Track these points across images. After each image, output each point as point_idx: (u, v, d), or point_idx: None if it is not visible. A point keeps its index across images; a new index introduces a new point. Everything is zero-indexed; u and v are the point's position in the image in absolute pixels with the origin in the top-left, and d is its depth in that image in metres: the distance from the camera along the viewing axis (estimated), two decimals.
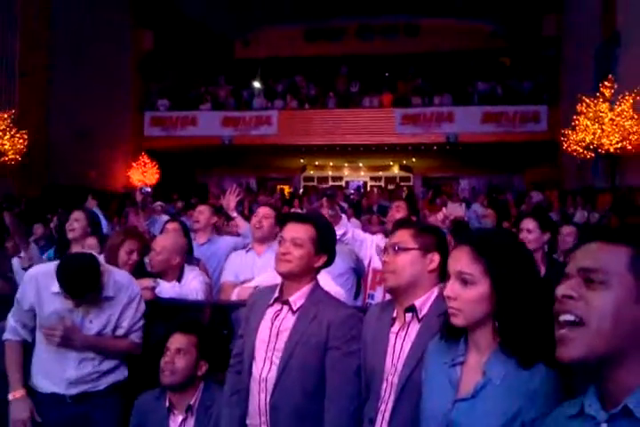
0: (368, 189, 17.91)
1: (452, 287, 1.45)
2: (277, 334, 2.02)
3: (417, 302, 1.82)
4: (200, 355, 2.47)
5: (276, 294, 2.09)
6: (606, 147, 10.74)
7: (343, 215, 3.58)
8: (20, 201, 10.56)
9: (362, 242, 3.63)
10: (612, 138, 10.60)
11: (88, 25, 14.37)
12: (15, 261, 3.89)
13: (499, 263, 1.42)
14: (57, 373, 2.50)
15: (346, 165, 20.33)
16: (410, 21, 18.40)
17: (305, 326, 2.00)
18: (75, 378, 2.49)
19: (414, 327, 1.80)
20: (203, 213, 4.30)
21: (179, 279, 3.12)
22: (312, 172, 20.53)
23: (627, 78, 10.72)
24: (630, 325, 1.01)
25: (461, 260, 1.46)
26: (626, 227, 2.70)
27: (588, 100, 11.20)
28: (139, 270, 3.07)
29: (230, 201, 4.29)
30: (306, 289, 2.06)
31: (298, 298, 2.05)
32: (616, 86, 10.83)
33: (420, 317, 1.80)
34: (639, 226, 1.20)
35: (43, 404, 2.50)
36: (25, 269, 3.80)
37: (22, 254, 4.11)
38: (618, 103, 10.61)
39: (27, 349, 2.60)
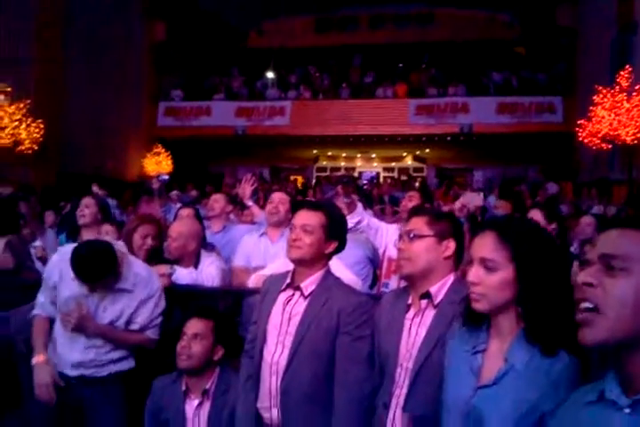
0: (381, 180, 17.84)
1: (477, 273, 1.46)
2: (289, 319, 2.05)
3: (432, 289, 1.82)
4: (216, 340, 2.49)
5: (288, 280, 2.11)
6: (623, 138, 10.51)
7: (359, 203, 3.57)
8: (35, 190, 10.65)
9: (377, 230, 3.61)
10: (628, 129, 10.38)
11: (102, 16, 14.41)
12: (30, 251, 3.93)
13: (524, 249, 1.43)
14: (65, 354, 2.55)
15: (359, 155, 20.21)
16: (423, 10, 18.22)
17: (316, 311, 2.02)
18: (77, 361, 2.53)
19: (429, 314, 1.81)
20: (218, 201, 4.34)
21: (195, 265, 3.13)
22: (325, 162, 20.45)
23: None
24: None
25: (486, 245, 1.46)
26: None
27: (604, 91, 10.94)
28: (156, 257, 3.08)
29: (246, 189, 4.33)
30: (317, 275, 2.08)
31: (309, 284, 2.07)
32: (633, 76, 10.57)
33: (436, 303, 1.81)
34: None
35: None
36: (39, 258, 3.86)
37: (36, 243, 4.17)
38: (635, 93, 10.34)
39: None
